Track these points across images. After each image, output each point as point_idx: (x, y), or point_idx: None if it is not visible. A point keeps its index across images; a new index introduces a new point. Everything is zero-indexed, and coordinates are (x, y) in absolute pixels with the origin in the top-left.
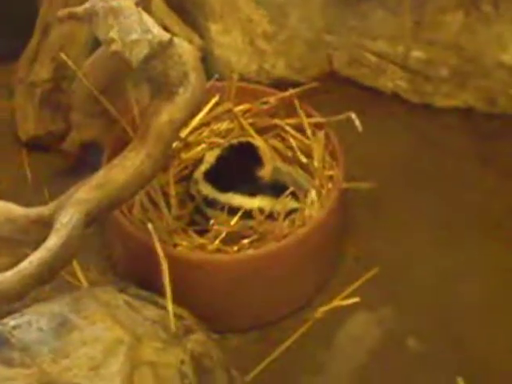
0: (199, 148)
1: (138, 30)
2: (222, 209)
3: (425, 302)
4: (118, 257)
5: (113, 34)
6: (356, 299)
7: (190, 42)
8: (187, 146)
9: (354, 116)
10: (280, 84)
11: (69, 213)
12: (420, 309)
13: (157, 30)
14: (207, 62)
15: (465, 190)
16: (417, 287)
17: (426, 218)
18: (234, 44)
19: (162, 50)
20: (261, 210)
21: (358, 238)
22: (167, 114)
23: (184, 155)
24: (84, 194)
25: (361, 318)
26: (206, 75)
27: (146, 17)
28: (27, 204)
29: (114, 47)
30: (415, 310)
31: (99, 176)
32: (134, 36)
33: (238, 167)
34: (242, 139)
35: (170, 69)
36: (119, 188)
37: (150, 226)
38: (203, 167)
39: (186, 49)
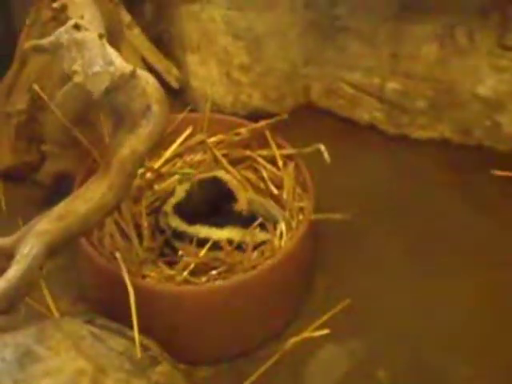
0: (172, 179)
1: (101, 62)
2: (191, 241)
3: (396, 334)
4: (89, 287)
5: (76, 66)
6: (326, 331)
7: (169, 73)
8: (160, 177)
9: (322, 148)
10: (256, 115)
11: (29, 244)
12: (391, 340)
13: (119, 62)
14: (185, 93)
15: (439, 222)
16: (388, 319)
17: (398, 249)
18: (211, 75)
19: (124, 82)
20: (229, 241)
21: (329, 270)
22: (129, 146)
23: (157, 187)
24: (45, 226)
25: (331, 350)
26: (184, 106)
27: (109, 49)
28: (1, 234)
29: (76, 79)
30: (386, 341)
31: (60, 207)
32: (96, 68)
33: (208, 200)
34: (211, 174)
35: (132, 101)
36: (80, 219)
37: (118, 255)
38: (173, 200)
39: (149, 81)
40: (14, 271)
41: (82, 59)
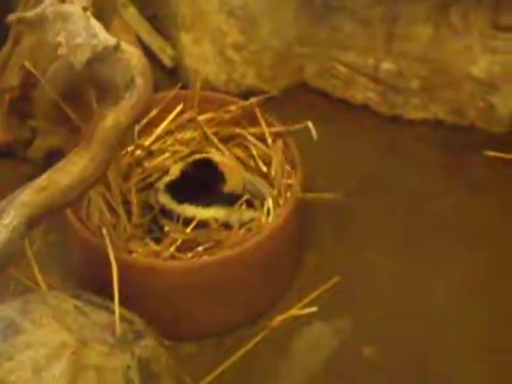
0: (163, 157)
1: (84, 34)
2: (178, 220)
3: (384, 314)
4: (77, 263)
5: (60, 38)
6: (314, 309)
7: (163, 52)
8: (150, 154)
9: (310, 125)
10: (250, 94)
11: (10, 215)
12: (378, 320)
13: (103, 35)
14: (179, 72)
15: (430, 202)
16: (376, 298)
17: (389, 229)
18: (204, 54)
19: (107, 55)
20: (215, 220)
21: (319, 248)
22: (112, 118)
23: (147, 164)
24: (26, 197)
25: (318, 328)
26: (177, 85)
27: (93, 22)
28: None
29: (60, 51)
30: (374, 321)
31: (42, 179)
32: (79, 40)
33: (200, 181)
34: (204, 155)
35: (116, 73)
36: (61, 191)
37: (104, 231)
38: (167, 178)
39: (133, 54)
40: None
41: (65, 31)
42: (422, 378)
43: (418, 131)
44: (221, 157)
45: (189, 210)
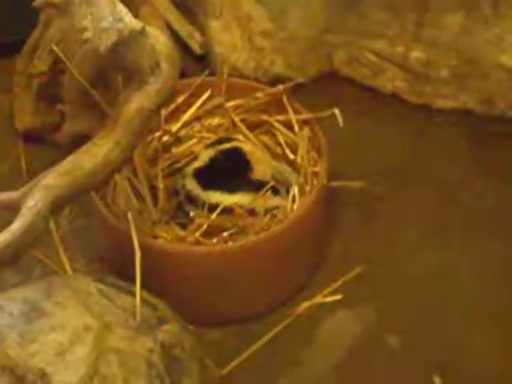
0: (190, 143)
1: (110, 18)
2: (203, 206)
3: (409, 302)
4: (103, 247)
5: (86, 22)
6: (338, 296)
7: (192, 38)
8: (178, 140)
9: (337, 111)
10: (278, 82)
11: (35, 198)
12: (404, 308)
13: (129, 19)
14: (207, 58)
15: (458, 191)
16: (402, 286)
17: (416, 219)
18: (233, 41)
19: (133, 39)
20: (240, 206)
21: (345, 236)
22: (137, 102)
23: (174, 150)
24: (51, 180)
25: (342, 315)
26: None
27: (120, 6)
28: None
29: (86, 35)
30: (398, 309)
31: (67, 162)
32: (105, 24)
33: (228, 168)
34: (234, 144)
35: (141, 58)
36: (86, 175)
37: (129, 215)
38: (196, 164)
39: (159, 39)
40: (18, 223)
41: (91, 15)
42: (446, 366)
43: (447, 120)
44: (249, 145)
45: (214, 196)
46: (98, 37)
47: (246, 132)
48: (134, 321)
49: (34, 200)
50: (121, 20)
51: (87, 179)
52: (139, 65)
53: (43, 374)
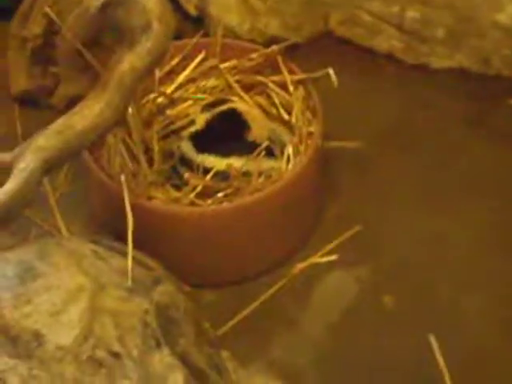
0: (185, 105)
1: None
2: (198, 169)
3: (405, 262)
4: (97, 209)
5: None
6: (334, 257)
7: (187, 0)
8: (173, 102)
9: (331, 71)
10: (273, 43)
11: (27, 159)
12: (399, 269)
13: None
14: (203, 20)
15: (453, 153)
16: (398, 247)
17: (411, 180)
18: (228, 2)
19: None
20: (235, 169)
21: (341, 197)
22: (128, 62)
23: (169, 112)
24: (42, 141)
25: (338, 276)
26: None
27: None
28: None
29: None
30: (394, 270)
31: (58, 124)
32: None
33: (225, 130)
34: (230, 105)
35: (132, 17)
36: (78, 135)
37: (122, 177)
38: (193, 129)
39: None
40: (10, 185)
41: None
42: (441, 326)
43: (443, 80)
44: (245, 105)
45: (208, 159)
46: None
47: (241, 93)
48: (131, 282)
49: (26, 161)
50: None
51: (79, 140)
52: (130, 24)
53: (38, 335)
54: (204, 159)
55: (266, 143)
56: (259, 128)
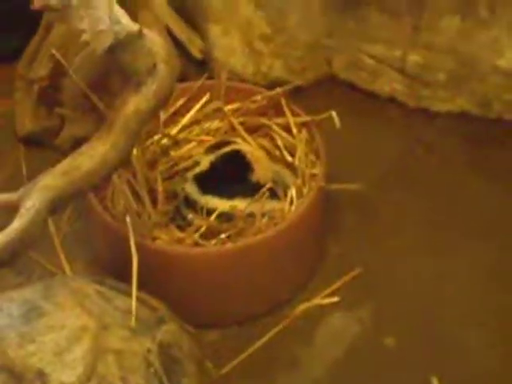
0: (189, 146)
1: (107, 20)
2: (201, 210)
3: (406, 304)
4: (101, 249)
5: (83, 24)
6: (336, 298)
7: (192, 43)
8: (177, 143)
9: (334, 114)
10: (277, 86)
11: (33, 198)
12: (401, 310)
13: (126, 21)
14: (208, 63)
15: (455, 195)
16: (399, 289)
17: (413, 221)
18: (232, 45)
19: (129, 41)
20: (240, 210)
21: (342, 238)
22: (133, 104)
23: (173, 153)
24: (49, 181)
25: (340, 317)
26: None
27: (117, 8)
28: None
29: (83, 37)
30: (396, 311)
31: (64, 164)
32: (102, 26)
33: (229, 171)
34: (234, 147)
35: (138, 60)
36: (83, 176)
37: (127, 218)
38: (197, 170)
39: (156, 41)
40: (17, 223)
41: (88, 18)
42: (443, 368)
43: (445, 123)
44: (248, 147)
45: (212, 201)
46: (95, 39)
47: (245, 135)
48: (135, 322)
49: (32, 200)
50: (118, 22)
51: (84, 180)
52: (136, 67)
53: (41, 374)
54: (208, 200)
55: (269, 185)
56: (263, 169)
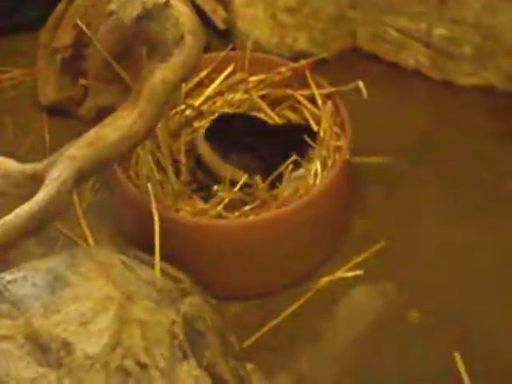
0: (212, 117)
1: None
2: (224, 181)
3: (431, 278)
4: (125, 220)
5: None
6: (359, 271)
7: (216, 14)
8: (200, 114)
9: (361, 84)
10: (300, 58)
11: (59, 169)
12: (425, 285)
13: None
14: (231, 33)
15: (479, 168)
16: (422, 263)
17: (437, 195)
18: (256, 17)
19: (157, 12)
20: (263, 179)
21: (367, 212)
22: (160, 74)
23: (197, 124)
24: (75, 152)
25: (363, 291)
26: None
27: None
28: None
29: (110, 7)
30: (419, 284)
31: (90, 134)
32: None
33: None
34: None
35: (165, 30)
36: (110, 146)
37: (149, 186)
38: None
39: (183, 12)
40: (42, 194)
41: None
42: (465, 343)
43: (469, 97)
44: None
45: (235, 173)
46: (122, 9)
47: (267, 109)
48: (158, 293)
49: (58, 171)
50: None
51: (110, 151)
52: (163, 37)
53: (66, 344)
54: (232, 172)
55: (294, 156)
56: None
